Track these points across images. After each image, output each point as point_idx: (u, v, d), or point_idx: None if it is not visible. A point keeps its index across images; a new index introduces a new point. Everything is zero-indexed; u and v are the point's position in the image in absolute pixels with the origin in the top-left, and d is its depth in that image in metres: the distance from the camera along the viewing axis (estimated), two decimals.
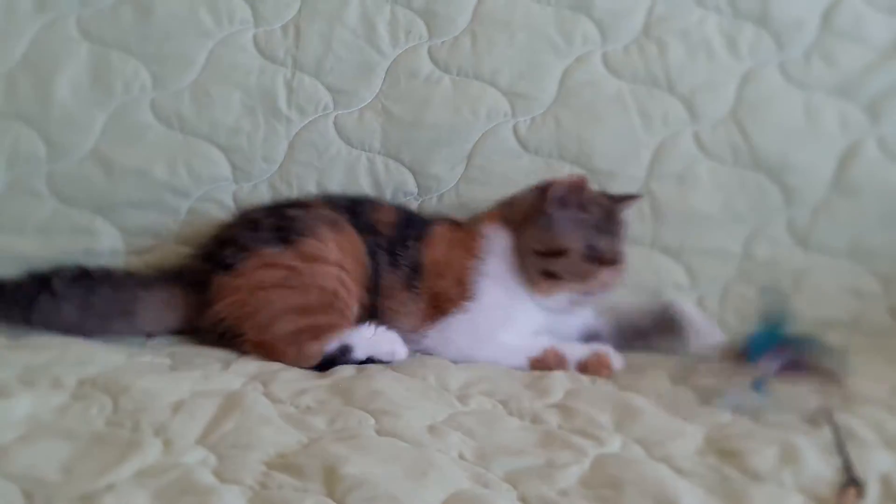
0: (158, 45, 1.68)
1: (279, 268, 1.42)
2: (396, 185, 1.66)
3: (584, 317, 1.52)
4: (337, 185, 1.66)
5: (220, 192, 1.66)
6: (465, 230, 1.51)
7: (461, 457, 1.02)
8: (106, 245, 1.64)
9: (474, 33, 1.70)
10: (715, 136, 1.67)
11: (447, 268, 1.46)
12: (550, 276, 1.42)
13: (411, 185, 1.68)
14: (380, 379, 1.27)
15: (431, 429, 1.09)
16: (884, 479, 0.99)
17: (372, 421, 1.10)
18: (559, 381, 1.30)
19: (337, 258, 1.43)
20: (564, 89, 1.69)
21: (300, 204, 1.54)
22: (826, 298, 1.63)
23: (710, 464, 1.03)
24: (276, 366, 1.33)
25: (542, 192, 1.45)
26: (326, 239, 1.44)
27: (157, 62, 1.67)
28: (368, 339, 1.38)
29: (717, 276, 1.65)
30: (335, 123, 1.68)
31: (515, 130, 1.68)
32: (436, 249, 1.48)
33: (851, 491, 0.96)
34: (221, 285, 1.42)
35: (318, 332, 1.37)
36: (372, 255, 1.47)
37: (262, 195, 1.66)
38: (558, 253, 1.41)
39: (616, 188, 1.65)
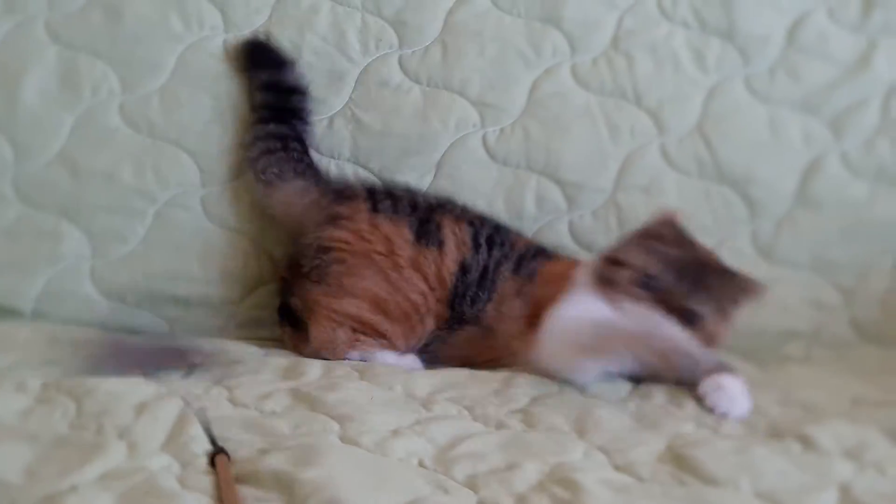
0: (128, 49, 1.67)
1: (394, 256, 1.48)
2: None
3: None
4: None
5: (187, 196, 1.65)
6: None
7: (421, 464, 1.02)
8: (72, 249, 1.63)
9: (445, 43, 1.71)
10: (681, 149, 1.69)
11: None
12: (607, 281, 1.33)
13: None
14: (346, 386, 1.27)
15: (395, 433, 1.09)
16: (843, 489, 0.99)
17: (336, 426, 1.10)
18: (525, 388, 1.30)
19: (433, 281, 1.47)
20: (533, 100, 1.70)
21: (449, 208, 1.57)
22: (788, 310, 1.64)
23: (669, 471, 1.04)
24: (242, 369, 1.34)
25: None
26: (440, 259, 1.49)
27: (125, 66, 1.67)
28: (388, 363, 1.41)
29: None
30: None
31: (484, 140, 1.69)
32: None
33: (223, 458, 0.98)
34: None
35: (366, 333, 1.45)
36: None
37: (229, 200, 1.65)
38: (617, 262, 1.34)
39: (583, 200, 1.67)
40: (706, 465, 1.03)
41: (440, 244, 1.49)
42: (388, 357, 1.43)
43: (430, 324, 1.48)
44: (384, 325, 1.46)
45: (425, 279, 1.47)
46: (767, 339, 1.62)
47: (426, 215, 1.52)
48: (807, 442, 1.14)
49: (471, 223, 1.53)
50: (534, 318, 1.38)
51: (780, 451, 1.12)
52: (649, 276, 1.31)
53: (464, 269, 1.48)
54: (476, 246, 1.50)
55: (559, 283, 1.39)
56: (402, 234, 1.49)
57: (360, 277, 1.47)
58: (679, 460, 1.05)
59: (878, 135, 1.68)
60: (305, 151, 1.63)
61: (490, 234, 1.52)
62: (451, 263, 1.48)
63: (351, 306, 1.46)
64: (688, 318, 1.31)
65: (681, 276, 1.31)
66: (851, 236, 1.66)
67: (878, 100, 1.70)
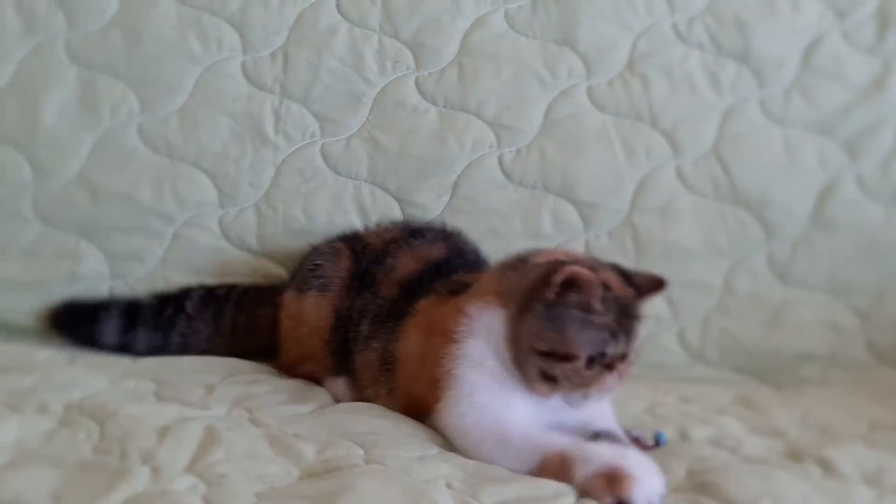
0: (146, 70, 1.69)
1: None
2: (382, 214, 1.67)
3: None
4: (323, 212, 1.67)
5: (205, 217, 1.66)
6: (451, 306, 1.22)
7: (449, 486, 1.02)
8: (91, 269, 1.64)
9: (461, 65, 1.72)
10: (697, 171, 1.70)
11: (421, 365, 1.22)
12: (549, 378, 1.12)
13: (397, 213, 1.68)
14: (367, 412, 1.27)
15: (420, 459, 1.09)
16: None
17: (360, 451, 1.10)
18: None
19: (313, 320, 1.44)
20: (549, 121, 1.71)
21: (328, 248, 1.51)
22: (805, 332, 1.65)
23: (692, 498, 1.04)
24: (259, 390, 1.34)
25: (548, 274, 1.11)
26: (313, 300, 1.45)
27: (144, 87, 1.68)
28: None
29: (699, 309, 1.67)
30: (322, 151, 1.69)
31: (500, 161, 1.70)
32: (410, 339, 1.26)
33: None
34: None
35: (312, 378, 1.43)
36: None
37: (247, 221, 1.66)
38: (564, 358, 1.10)
39: (599, 220, 1.68)
40: (727, 490, 1.03)
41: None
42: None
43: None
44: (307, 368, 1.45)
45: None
46: (783, 361, 1.62)
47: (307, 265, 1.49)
48: (826, 466, 1.15)
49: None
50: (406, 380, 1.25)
51: (801, 475, 1.12)
52: (602, 353, 1.11)
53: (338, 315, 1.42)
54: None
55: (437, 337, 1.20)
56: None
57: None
58: (700, 487, 1.06)
59: (893, 157, 1.69)
60: None
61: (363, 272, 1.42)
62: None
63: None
64: (627, 362, 1.14)
65: (615, 333, 1.11)
66: (867, 258, 1.67)
67: (893, 122, 1.70)
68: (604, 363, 1.11)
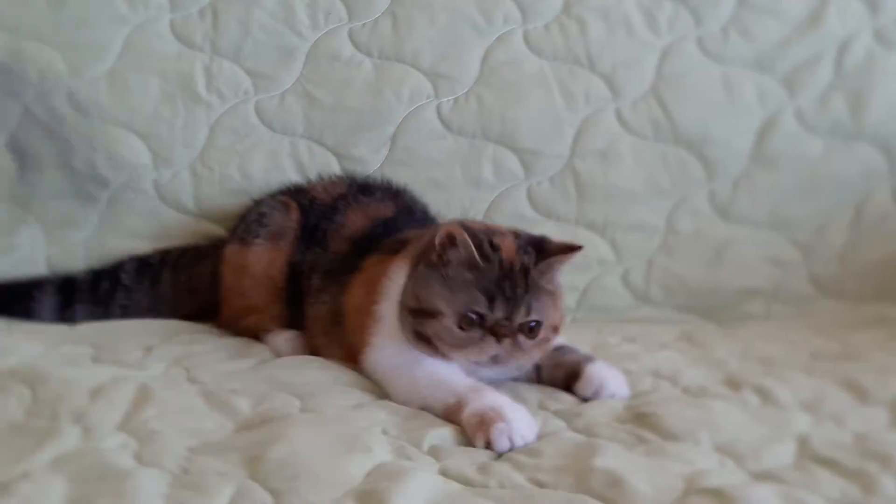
0: (73, 33, 1.65)
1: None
2: (320, 169, 1.64)
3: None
4: (260, 170, 1.65)
5: (140, 180, 1.63)
6: (386, 265, 1.24)
7: (385, 432, 1.01)
8: (26, 237, 1.61)
9: (395, 15, 1.69)
10: (636, 113, 1.69)
11: (356, 317, 1.24)
12: (423, 338, 1.12)
13: (335, 168, 1.66)
14: (307, 365, 1.26)
15: (357, 407, 1.09)
16: (801, 440, 1.00)
17: (297, 402, 1.09)
18: None
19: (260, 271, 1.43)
20: (486, 69, 1.69)
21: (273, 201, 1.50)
22: (748, 269, 1.65)
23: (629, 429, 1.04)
24: (199, 349, 1.33)
25: (433, 236, 1.12)
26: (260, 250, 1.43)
27: (72, 50, 1.64)
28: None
29: (642, 250, 1.67)
30: (256, 108, 1.66)
31: (439, 111, 1.68)
32: (355, 293, 1.27)
33: None
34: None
35: (255, 333, 1.41)
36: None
37: (183, 182, 1.64)
38: (430, 314, 1.11)
39: (540, 167, 1.67)
40: (666, 421, 1.04)
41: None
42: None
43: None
44: (252, 320, 1.43)
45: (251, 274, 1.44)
46: (727, 298, 1.63)
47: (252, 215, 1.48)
48: (765, 395, 1.15)
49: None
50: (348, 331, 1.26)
51: (739, 404, 1.13)
52: (471, 313, 1.09)
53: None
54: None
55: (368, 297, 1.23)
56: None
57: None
58: (639, 419, 1.06)
59: (831, 90, 1.69)
60: None
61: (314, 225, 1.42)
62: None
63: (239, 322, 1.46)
64: (517, 333, 1.10)
65: (492, 294, 1.09)
66: (808, 192, 1.67)
67: (830, 56, 1.70)
68: (485, 327, 1.09)
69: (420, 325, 1.12)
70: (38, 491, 0.83)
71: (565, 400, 1.16)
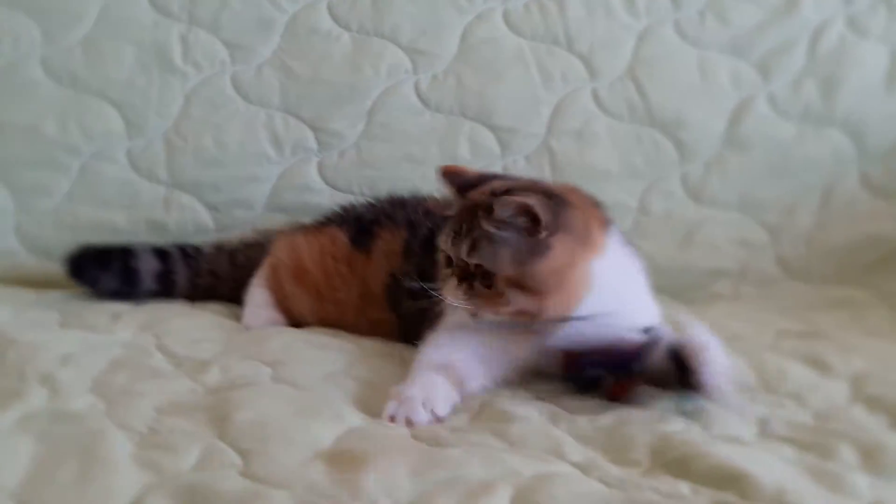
0: (48, 1, 1.63)
1: None
2: (296, 142, 1.64)
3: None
4: (235, 141, 1.64)
5: (113, 148, 1.62)
6: None
7: (356, 401, 1.02)
8: None
9: None
10: (613, 94, 1.70)
11: None
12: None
13: (311, 142, 1.66)
14: (280, 334, 1.28)
15: (328, 376, 1.09)
16: (761, 423, 1.01)
17: (268, 370, 1.10)
18: None
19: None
20: (465, 46, 1.70)
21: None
22: (717, 250, 1.67)
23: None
24: (166, 314, 1.33)
25: None
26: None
27: (46, 17, 1.64)
28: None
29: None
30: (232, 79, 1.66)
31: (417, 87, 1.68)
32: None
33: None
34: None
35: None
36: None
37: (156, 152, 1.63)
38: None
39: (517, 145, 1.67)
40: None
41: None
42: None
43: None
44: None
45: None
46: (696, 278, 1.64)
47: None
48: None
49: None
50: None
51: None
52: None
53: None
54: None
55: None
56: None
57: None
58: None
59: (804, 76, 1.70)
60: None
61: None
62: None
63: None
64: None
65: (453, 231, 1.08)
66: (778, 175, 1.68)
67: (804, 41, 1.72)
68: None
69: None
70: (4, 448, 0.84)
71: None
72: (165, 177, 1.63)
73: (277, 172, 1.64)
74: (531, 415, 1.00)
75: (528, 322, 1.06)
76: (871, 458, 0.89)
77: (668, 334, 1.09)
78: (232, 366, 1.10)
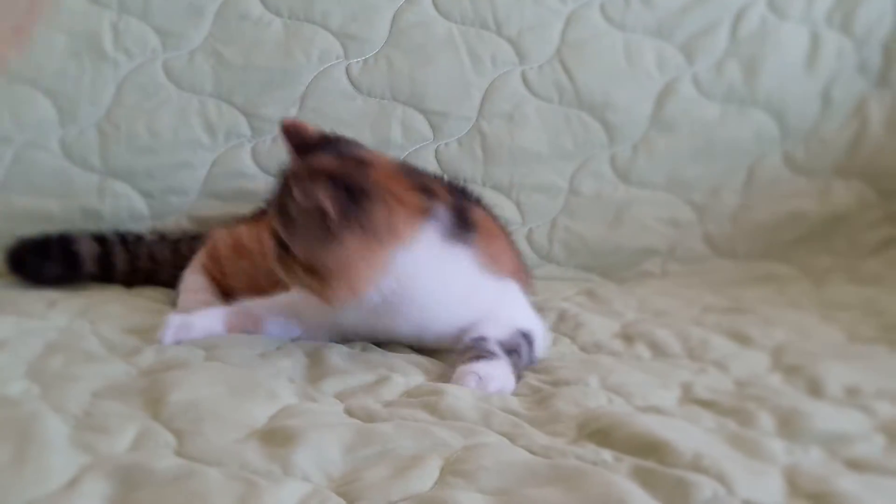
0: None
1: None
2: (229, 128, 1.65)
3: None
4: (168, 128, 1.64)
5: (45, 137, 1.62)
6: None
7: (291, 379, 1.04)
8: None
9: None
10: (542, 77, 1.73)
11: None
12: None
13: (245, 128, 1.67)
14: None
15: (262, 356, 1.11)
16: (685, 388, 1.05)
17: (202, 352, 1.10)
18: None
19: None
20: (396, 30, 1.72)
21: None
22: (646, 229, 1.72)
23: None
24: (102, 298, 1.34)
25: None
26: None
27: None
28: None
29: (545, 211, 1.72)
30: (164, 66, 1.66)
31: (348, 72, 1.70)
32: None
33: None
34: None
35: None
36: None
37: (89, 140, 1.63)
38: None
39: (448, 128, 1.71)
40: (559, 372, 1.09)
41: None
42: None
43: None
44: None
45: None
46: (626, 257, 1.69)
47: None
48: (656, 348, 1.21)
49: None
50: None
51: (631, 356, 1.18)
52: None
53: None
54: None
55: None
56: None
57: None
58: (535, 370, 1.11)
59: (727, 57, 1.76)
60: None
61: None
62: None
63: None
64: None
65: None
66: (704, 156, 1.74)
67: (727, 23, 1.77)
68: None
69: None
70: None
71: None
72: (99, 165, 1.63)
73: (211, 159, 1.65)
74: (461, 390, 1.02)
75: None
76: (787, 424, 0.92)
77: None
78: (165, 348, 1.11)
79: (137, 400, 0.93)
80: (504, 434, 0.89)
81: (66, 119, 1.62)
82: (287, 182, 1.06)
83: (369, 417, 0.93)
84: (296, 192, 1.02)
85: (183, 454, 0.82)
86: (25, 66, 1.62)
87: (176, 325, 1.13)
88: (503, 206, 1.69)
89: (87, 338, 1.15)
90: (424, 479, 0.78)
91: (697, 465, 0.79)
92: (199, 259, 1.46)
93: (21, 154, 1.61)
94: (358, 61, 1.70)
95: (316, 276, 1.06)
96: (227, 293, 1.41)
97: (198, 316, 1.16)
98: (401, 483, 0.76)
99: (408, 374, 1.08)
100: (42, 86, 1.62)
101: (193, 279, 1.44)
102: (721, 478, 0.76)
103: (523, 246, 1.69)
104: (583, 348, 1.23)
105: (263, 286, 1.32)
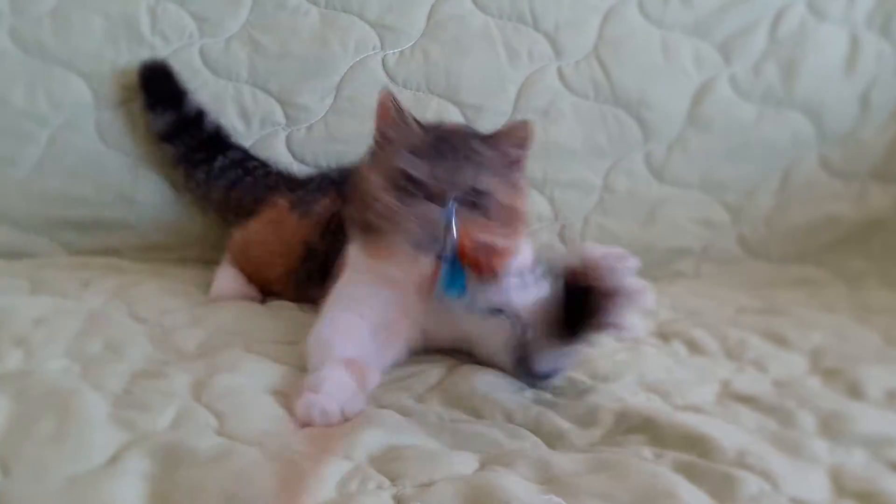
0: None
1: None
2: (264, 116, 1.65)
3: None
4: None
5: (81, 119, 1.61)
6: None
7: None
8: None
9: None
10: (578, 72, 1.72)
11: None
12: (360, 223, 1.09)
13: (280, 116, 1.67)
14: (246, 309, 1.30)
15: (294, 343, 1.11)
16: (723, 384, 1.05)
17: (241, 339, 1.11)
18: None
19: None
20: (433, 22, 1.71)
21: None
22: (679, 228, 1.71)
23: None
24: (135, 279, 1.35)
25: None
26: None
27: None
28: None
29: (579, 207, 1.71)
30: (201, 52, 1.65)
31: (384, 63, 1.69)
32: None
33: None
34: None
35: None
36: None
37: (122, 123, 1.63)
38: (361, 182, 1.11)
39: (482, 122, 1.68)
40: (597, 364, 1.08)
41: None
42: None
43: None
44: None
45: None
46: (659, 256, 1.68)
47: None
48: (692, 345, 1.20)
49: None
50: None
51: (668, 351, 1.18)
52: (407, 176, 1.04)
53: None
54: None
55: None
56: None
57: None
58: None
59: (765, 58, 1.74)
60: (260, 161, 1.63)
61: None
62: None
63: None
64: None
65: (438, 155, 1.05)
66: (739, 156, 1.72)
67: (766, 23, 1.75)
68: (421, 190, 1.02)
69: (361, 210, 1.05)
70: None
71: None
72: (133, 149, 1.63)
73: (246, 146, 1.65)
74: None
75: None
76: (829, 425, 0.92)
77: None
78: (206, 335, 1.12)
79: (179, 381, 0.94)
80: (541, 427, 0.89)
81: (101, 102, 1.62)
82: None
83: (402, 411, 0.93)
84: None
85: (224, 434, 0.82)
86: (62, 47, 1.62)
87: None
88: (536, 202, 1.69)
89: (124, 320, 1.16)
90: (466, 464, 0.78)
91: (742, 462, 0.79)
92: (227, 251, 1.48)
93: (56, 136, 1.61)
94: (394, 52, 1.69)
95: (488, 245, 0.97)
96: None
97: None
98: (443, 464, 0.77)
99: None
100: (78, 68, 1.62)
101: (225, 269, 1.45)
102: (766, 475, 0.76)
103: (555, 243, 1.69)
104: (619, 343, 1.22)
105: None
